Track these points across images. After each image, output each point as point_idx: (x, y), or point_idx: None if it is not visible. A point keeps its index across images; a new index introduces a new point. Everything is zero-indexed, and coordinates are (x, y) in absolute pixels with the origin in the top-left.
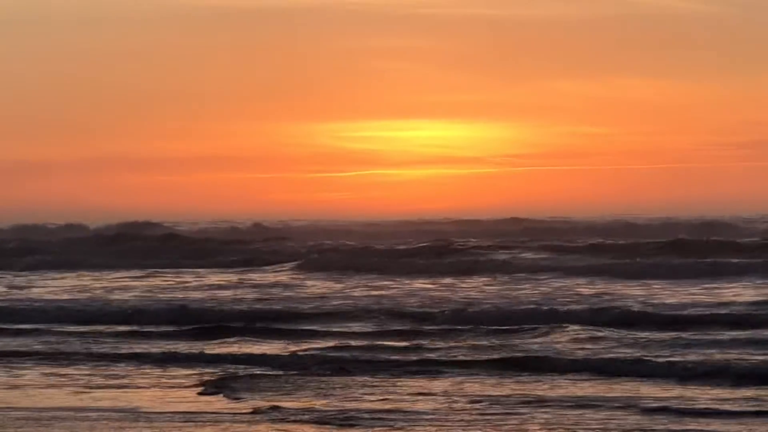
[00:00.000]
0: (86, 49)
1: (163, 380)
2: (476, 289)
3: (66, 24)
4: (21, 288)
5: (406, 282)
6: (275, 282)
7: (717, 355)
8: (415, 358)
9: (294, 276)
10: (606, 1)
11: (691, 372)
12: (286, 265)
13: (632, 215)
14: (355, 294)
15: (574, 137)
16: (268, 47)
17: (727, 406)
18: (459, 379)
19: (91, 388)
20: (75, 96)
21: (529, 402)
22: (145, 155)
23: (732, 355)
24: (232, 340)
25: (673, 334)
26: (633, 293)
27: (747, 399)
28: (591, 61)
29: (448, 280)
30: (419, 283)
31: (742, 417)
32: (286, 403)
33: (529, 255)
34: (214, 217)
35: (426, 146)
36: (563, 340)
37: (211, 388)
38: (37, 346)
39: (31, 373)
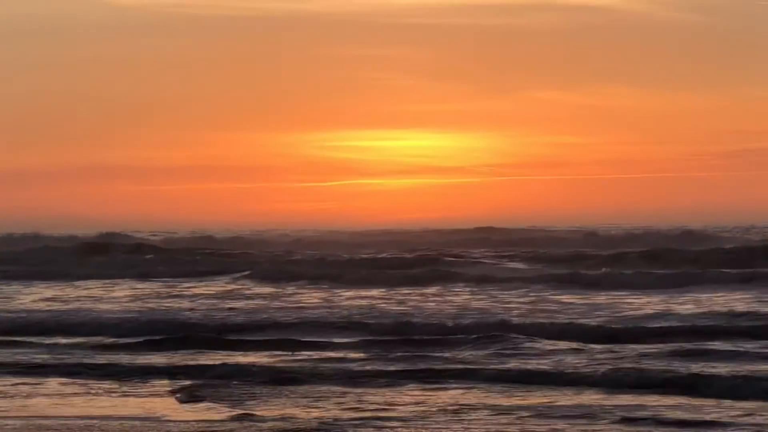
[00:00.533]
0: (72, 59)
1: (139, 390)
2: (428, 299)
3: (53, 34)
4: None
5: (360, 291)
6: (223, 292)
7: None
8: (379, 368)
9: (240, 285)
10: (588, 11)
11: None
12: (235, 275)
13: (614, 225)
14: (301, 304)
15: (557, 147)
16: (253, 57)
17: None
18: (425, 388)
19: (65, 399)
20: (61, 106)
21: (485, 408)
22: (131, 165)
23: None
24: (192, 351)
25: (623, 345)
26: (595, 302)
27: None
28: (573, 71)
29: (403, 290)
30: (368, 293)
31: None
32: (264, 412)
33: (494, 264)
34: (198, 227)
35: (409, 156)
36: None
37: (188, 396)
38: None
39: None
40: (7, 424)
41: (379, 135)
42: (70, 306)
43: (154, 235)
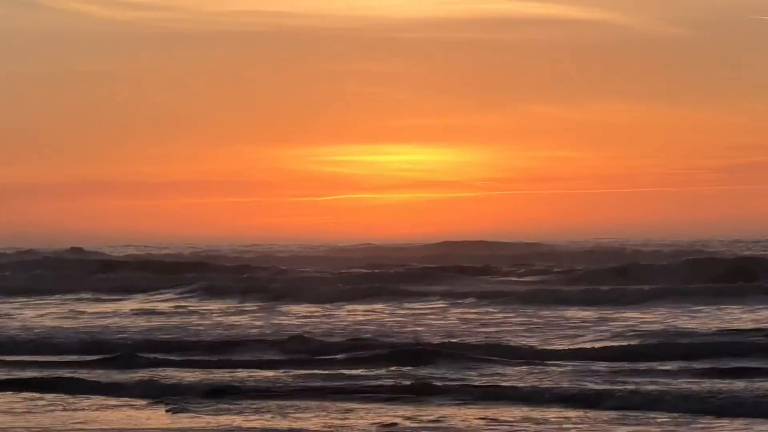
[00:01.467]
0: (64, 73)
1: (119, 404)
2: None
3: (44, 48)
4: None
5: (293, 308)
6: (162, 309)
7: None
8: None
9: (184, 302)
10: (582, 26)
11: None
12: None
13: (613, 239)
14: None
15: (554, 161)
16: (245, 72)
17: None
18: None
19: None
20: (53, 120)
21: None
22: (124, 180)
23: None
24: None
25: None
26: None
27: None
28: (567, 85)
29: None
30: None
31: None
32: (249, 423)
33: (450, 281)
34: (191, 241)
35: (404, 170)
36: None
37: (179, 408)
38: None
39: None
40: None
41: (373, 149)
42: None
43: (147, 246)
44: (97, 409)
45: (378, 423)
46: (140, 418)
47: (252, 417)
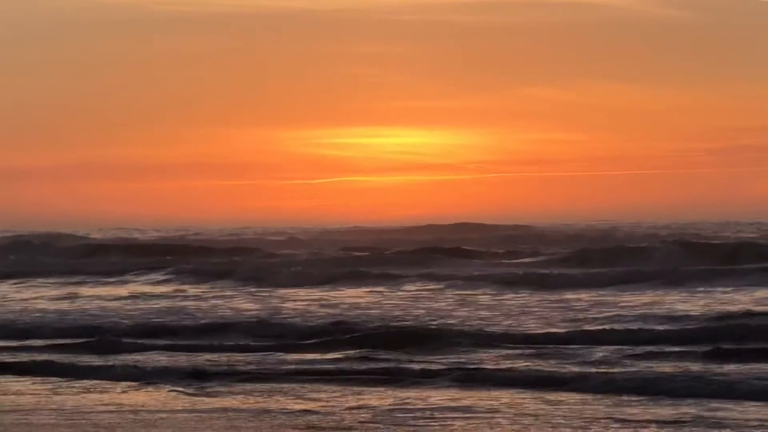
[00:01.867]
0: (59, 57)
1: (116, 388)
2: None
3: (44, 31)
4: None
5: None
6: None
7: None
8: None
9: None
10: (580, 7)
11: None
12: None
13: (605, 222)
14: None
15: (548, 144)
16: (240, 54)
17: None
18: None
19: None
20: (51, 103)
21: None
22: (117, 163)
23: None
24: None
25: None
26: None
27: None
28: (562, 67)
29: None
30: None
31: None
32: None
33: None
34: (184, 224)
35: (399, 153)
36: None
37: (195, 390)
38: None
39: None
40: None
41: (368, 132)
42: None
43: (138, 230)
44: (92, 393)
45: (356, 407)
46: (159, 400)
47: (270, 399)
